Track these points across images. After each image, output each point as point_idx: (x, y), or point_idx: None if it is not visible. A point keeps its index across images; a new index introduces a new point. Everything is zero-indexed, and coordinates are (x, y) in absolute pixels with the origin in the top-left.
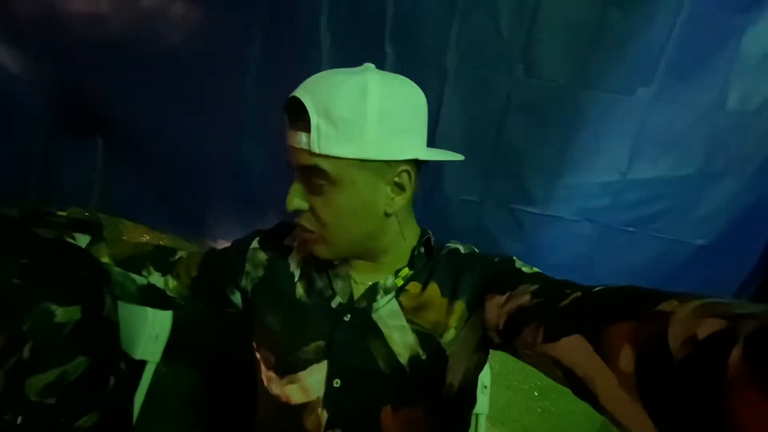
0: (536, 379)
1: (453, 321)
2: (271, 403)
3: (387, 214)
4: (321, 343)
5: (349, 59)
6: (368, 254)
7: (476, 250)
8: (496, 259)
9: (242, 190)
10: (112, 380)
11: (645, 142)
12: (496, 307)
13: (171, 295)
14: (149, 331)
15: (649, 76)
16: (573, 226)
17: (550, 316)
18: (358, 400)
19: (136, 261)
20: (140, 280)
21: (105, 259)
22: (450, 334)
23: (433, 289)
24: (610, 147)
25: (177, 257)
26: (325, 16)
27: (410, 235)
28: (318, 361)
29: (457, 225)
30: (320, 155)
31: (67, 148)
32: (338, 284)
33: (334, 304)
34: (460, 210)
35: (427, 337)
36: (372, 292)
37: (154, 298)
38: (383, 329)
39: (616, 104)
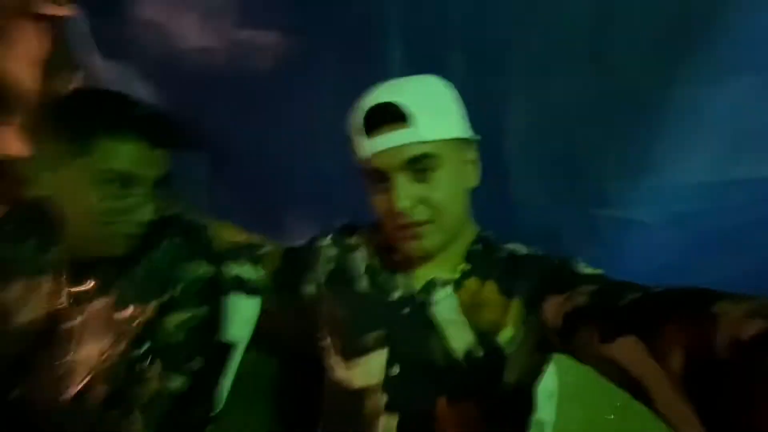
0: (614, 400)
1: (510, 320)
2: (335, 389)
3: (471, 189)
4: (382, 332)
5: (417, 69)
6: (449, 244)
7: (539, 252)
8: (556, 260)
9: (317, 196)
10: (218, 336)
11: (747, 139)
12: (555, 308)
13: (257, 284)
14: (241, 315)
15: (752, 64)
16: (659, 233)
17: (606, 317)
18: (414, 389)
19: (231, 253)
20: (235, 268)
21: None
22: (507, 333)
23: (491, 286)
24: (705, 144)
25: (263, 251)
26: (395, 31)
27: (468, 231)
28: (379, 348)
29: (525, 229)
30: (424, 142)
31: (181, 162)
32: (399, 279)
33: (394, 297)
34: (528, 213)
35: (484, 335)
36: (430, 287)
37: (244, 285)
38: (440, 324)
39: (712, 96)
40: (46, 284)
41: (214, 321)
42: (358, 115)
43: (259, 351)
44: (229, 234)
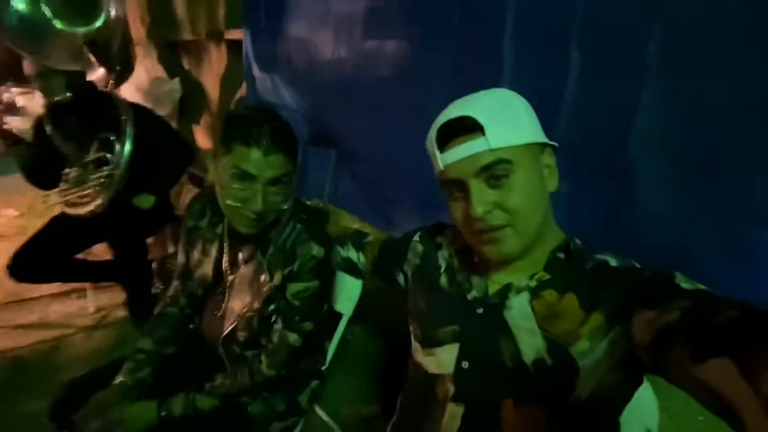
0: None
1: (586, 332)
2: (415, 370)
3: (550, 194)
4: (456, 327)
5: (531, 71)
6: (531, 249)
7: (635, 264)
8: (650, 273)
9: (424, 195)
10: (325, 306)
11: None
12: (646, 324)
13: (360, 268)
14: (346, 292)
15: None
16: None
17: (699, 336)
18: (482, 385)
19: (341, 238)
20: (343, 252)
21: None
22: (582, 345)
23: (570, 299)
24: None
25: (368, 240)
26: (509, 30)
27: (550, 238)
28: (452, 342)
29: (653, 246)
30: (499, 149)
31: (314, 157)
32: (475, 280)
33: (470, 296)
34: (656, 227)
35: (555, 345)
36: (505, 291)
37: (349, 267)
38: (513, 328)
39: None
40: (215, 250)
41: (324, 293)
42: (433, 131)
43: (365, 327)
44: (344, 221)
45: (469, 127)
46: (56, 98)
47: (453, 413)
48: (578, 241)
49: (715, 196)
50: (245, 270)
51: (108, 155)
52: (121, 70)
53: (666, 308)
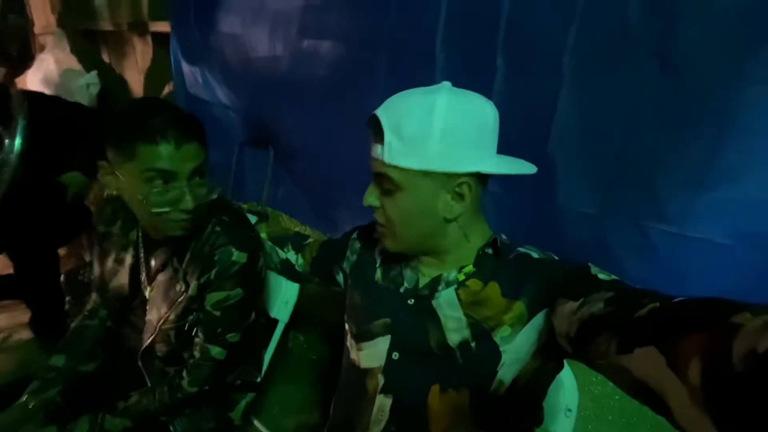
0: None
1: (508, 319)
2: (348, 366)
3: (447, 220)
4: (387, 320)
5: (461, 73)
6: (432, 252)
7: (554, 257)
8: (569, 265)
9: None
10: (252, 315)
11: None
12: (568, 314)
13: (299, 269)
14: (282, 297)
15: None
16: (725, 252)
17: (624, 326)
18: (410, 373)
19: (281, 240)
20: (281, 254)
21: (263, 234)
22: (503, 331)
23: (493, 288)
24: None
25: (308, 242)
26: (440, 35)
27: (477, 237)
28: (384, 334)
29: (572, 240)
30: (390, 165)
31: (251, 158)
32: (407, 273)
33: (402, 289)
34: (575, 223)
35: (478, 328)
36: (435, 283)
37: (288, 270)
38: (440, 316)
39: None
40: (129, 257)
41: (249, 301)
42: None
43: (307, 334)
44: (283, 224)
45: (379, 130)
46: None
47: (382, 405)
48: (504, 237)
49: (623, 194)
50: (161, 278)
51: None
52: (18, 57)
53: (588, 299)
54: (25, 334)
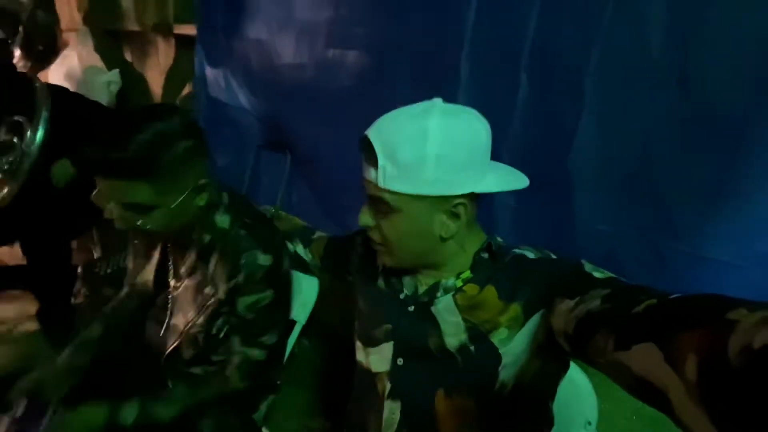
0: None
1: (505, 320)
2: (360, 370)
3: (443, 238)
4: (389, 326)
5: (485, 87)
6: (429, 266)
7: (551, 256)
8: (563, 264)
9: None
10: (287, 314)
11: None
12: (565, 313)
13: (309, 263)
14: (302, 298)
15: None
16: (738, 273)
17: (622, 323)
18: (415, 379)
19: (290, 234)
20: (291, 247)
21: None
22: (501, 333)
23: (490, 291)
24: None
25: (315, 236)
26: (466, 48)
27: (472, 244)
28: (387, 341)
29: (587, 255)
30: (384, 189)
31: (267, 161)
32: (406, 280)
33: (402, 296)
34: (591, 239)
35: (475, 331)
36: (434, 290)
37: (299, 263)
38: (440, 321)
39: None
40: (156, 255)
41: (281, 302)
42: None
43: (312, 339)
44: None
45: (372, 154)
46: None
47: (391, 410)
48: (499, 239)
49: (638, 212)
50: (189, 282)
51: (15, 139)
52: (44, 51)
53: (586, 297)
54: (31, 326)
